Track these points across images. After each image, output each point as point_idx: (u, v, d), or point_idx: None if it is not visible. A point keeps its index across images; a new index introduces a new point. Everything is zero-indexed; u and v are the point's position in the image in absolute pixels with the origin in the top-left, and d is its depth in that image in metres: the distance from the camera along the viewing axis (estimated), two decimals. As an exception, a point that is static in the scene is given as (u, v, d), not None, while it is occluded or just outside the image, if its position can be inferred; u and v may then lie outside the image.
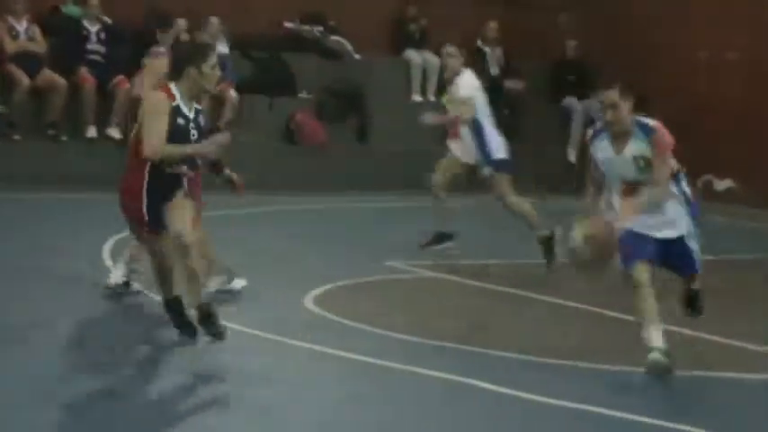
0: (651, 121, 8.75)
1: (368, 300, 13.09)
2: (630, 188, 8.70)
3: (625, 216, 8.66)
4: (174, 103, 8.77)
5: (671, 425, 8.42)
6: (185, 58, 9.04)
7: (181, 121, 8.75)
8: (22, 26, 20.57)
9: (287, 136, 21.88)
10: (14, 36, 20.57)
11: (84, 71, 20.26)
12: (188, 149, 8.79)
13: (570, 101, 23.29)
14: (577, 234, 8.84)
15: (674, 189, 8.81)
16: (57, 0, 21.76)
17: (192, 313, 9.04)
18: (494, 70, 23.14)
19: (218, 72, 9.27)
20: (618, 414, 8.72)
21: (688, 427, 8.33)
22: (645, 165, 8.60)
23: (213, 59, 9.13)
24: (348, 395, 9.46)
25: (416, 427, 8.67)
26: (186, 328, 9.08)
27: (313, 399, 9.44)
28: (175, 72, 8.99)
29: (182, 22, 19.71)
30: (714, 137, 21.63)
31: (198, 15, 21.11)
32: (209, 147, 8.89)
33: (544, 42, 24.32)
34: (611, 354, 10.84)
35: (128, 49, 20.57)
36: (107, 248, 13.66)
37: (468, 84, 15.27)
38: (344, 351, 10.51)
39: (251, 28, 22.55)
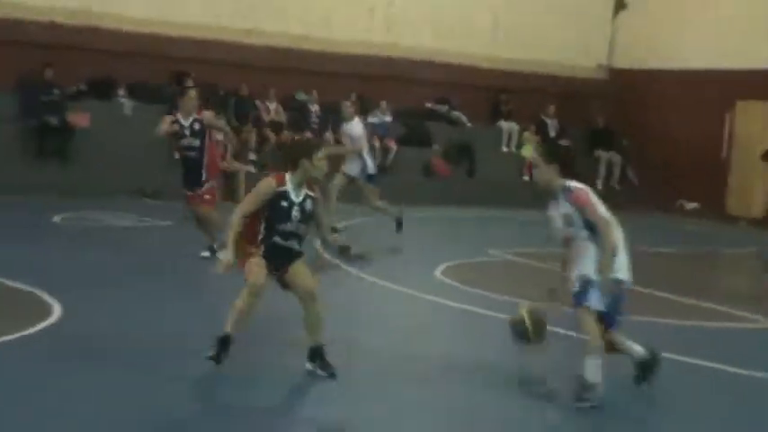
0: (572, 184, 8.81)
1: (477, 274, 15.66)
2: (567, 241, 9.08)
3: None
4: (281, 189, 9.03)
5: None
6: (300, 152, 9.25)
7: (284, 203, 9.01)
8: (272, 106, 25.60)
9: (426, 171, 26.70)
10: (268, 112, 25.62)
11: (308, 133, 24.55)
12: (228, 240, 9.02)
13: (599, 153, 28.69)
14: (520, 312, 9.35)
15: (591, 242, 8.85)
16: (292, 90, 26.33)
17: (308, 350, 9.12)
18: (552, 134, 28.51)
19: (325, 163, 9.28)
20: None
21: None
22: (568, 222, 8.82)
23: (322, 152, 9.23)
24: (463, 331, 12.14)
25: (502, 357, 10.41)
26: (219, 359, 8.87)
27: (438, 330, 12.25)
28: (291, 163, 9.14)
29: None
30: (684, 174, 27.09)
31: (376, 100, 26.16)
32: (226, 257, 8.94)
33: (584, 117, 29.33)
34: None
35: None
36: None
37: (357, 127, 18.80)
38: (463, 304, 13.15)
39: (406, 105, 27.33)
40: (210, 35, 24.97)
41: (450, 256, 16.61)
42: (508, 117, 28.98)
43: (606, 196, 20.77)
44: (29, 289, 11.76)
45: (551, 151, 9.40)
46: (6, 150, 21.05)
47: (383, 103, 26.60)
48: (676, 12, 28.57)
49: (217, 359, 8.89)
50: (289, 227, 9.07)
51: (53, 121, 22.22)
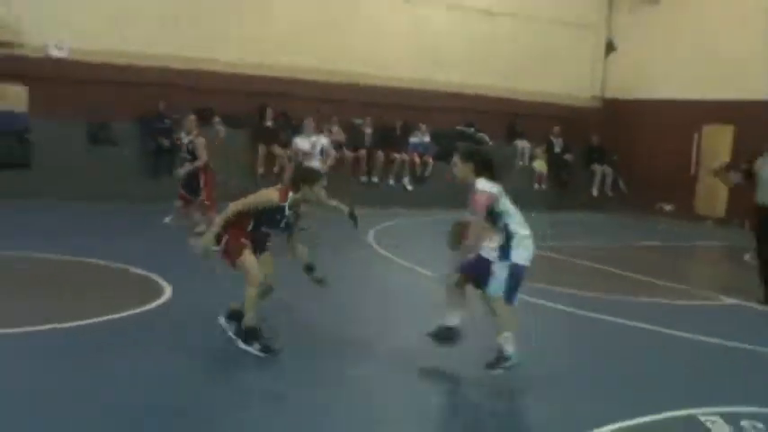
0: (480, 184, 8.36)
1: None
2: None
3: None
4: (281, 204, 8.60)
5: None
6: (306, 179, 8.82)
7: (278, 216, 8.63)
8: (334, 129, 24.72)
9: (455, 181, 28.25)
10: (331, 133, 24.08)
11: (363, 151, 25.05)
12: (215, 228, 8.70)
13: (595, 166, 28.49)
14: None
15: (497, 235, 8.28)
16: (350, 116, 25.84)
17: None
18: (557, 150, 28.54)
19: (321, 192, 9.02)
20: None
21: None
22: (472, 211, 8.31)
23: (321, 184, 8.93)
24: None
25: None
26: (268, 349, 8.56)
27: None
28: (294, 185, 8.70)
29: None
30: (662, 182, 27.14)
31: (417, 124, 26.51)
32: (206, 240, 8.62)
33: (583, 137, 28.94)
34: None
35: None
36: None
37: (305, 144, 18.70)
38: None
39: (440, 128, 26.88)
40: (286, 74, 25.01)
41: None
42: (522, 137, 28.89)
43: (601, 201, 23.47)
44: (147, 274, 11.99)
45: (469, 152, 8.88)
46: (130, 167, 21.45)
47: (422, 126, 26.74)
48: (655, 54, 28.50)
49: (268, 351, 8.50)
50: (273, 231, 8.83)
51: (165, 143, 22.50)
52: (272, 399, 7.66)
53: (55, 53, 22.40)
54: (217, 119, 23.96)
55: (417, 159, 26.01)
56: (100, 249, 13.20)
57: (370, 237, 17.54)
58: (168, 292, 11.03)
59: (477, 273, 8.45)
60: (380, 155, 25.41)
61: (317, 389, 7.87)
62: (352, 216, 17.23)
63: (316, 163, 17.69)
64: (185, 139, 15.49)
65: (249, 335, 8.55)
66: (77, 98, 21.63)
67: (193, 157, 15.57)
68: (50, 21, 22.12)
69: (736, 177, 13.89)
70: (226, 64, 24.28)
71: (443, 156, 25.07)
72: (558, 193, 28.13)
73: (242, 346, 8.51)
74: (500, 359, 8.30)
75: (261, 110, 24.31)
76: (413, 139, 26.32)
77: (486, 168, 8.61)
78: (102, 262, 12.63)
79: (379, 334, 9.91)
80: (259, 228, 8.76)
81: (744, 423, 7.32)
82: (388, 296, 12.66)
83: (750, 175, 13.08)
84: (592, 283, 14.03)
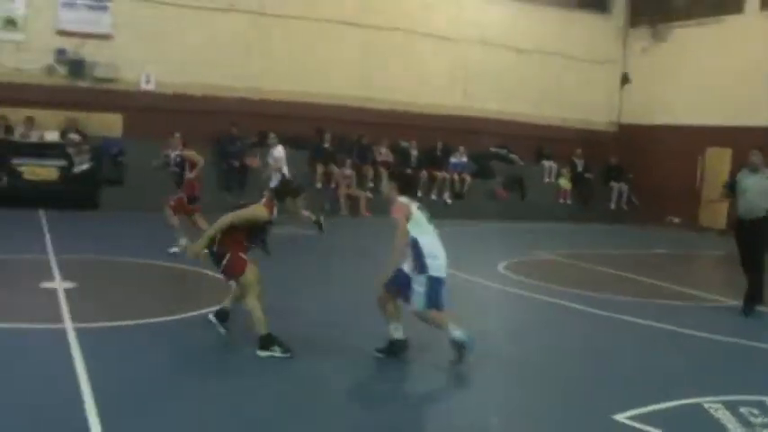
0: (399, 199, 8.26)
1: (528, 268, 15.08)
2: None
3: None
4: (270, 218, 8.38)
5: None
6: (288, 192, 8.61)
7: (267, 227, 8.41)
8: (383, 150, 24.81)
9: (490, 196, 26.43)
10: (380, 154, 24.87)
11: (409, 170, 23.90)
12: (207, 235, 8.29)
13: (612, 183, 28.35)
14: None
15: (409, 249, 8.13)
16: (398, 139, 25.89)
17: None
18: (579, 169, 28.32)
19: (301, 206, 8.80)
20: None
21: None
22: (395, 225, 8.05)
23: (302, 198, 8.73)
24: (527, 312, 11.64)
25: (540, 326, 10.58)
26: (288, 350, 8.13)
27: (501, 308, 11.76)
28: (279, 198, 8.45)
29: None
30: (671, 197, 26.97)
31: (456, 146, 26.37)
32: (198, 246, 8.31)
33: (602, 158, 28.74)
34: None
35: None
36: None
37: (280, 152, 18.85)
38: (524, 291, 12.80)
39: (477, 150, 26.96)
40: (341, 101, 25.16)
41: (507, 255, 16.50)
42: (548, 158, 28.78)
43: (617, 213, 23.51)
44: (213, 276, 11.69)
45: (393, 173, 8.95)
46: (209, 184, 21.31)
47: (461, 148, 26.76)
48: (664, 85, 28.39)
49: (288, 351, 8.08)
50: (260, 240, 8.52)
51: (235, 163, 22.70)
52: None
53: (144, 86, 22.82)
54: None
55: (456, 177, 26.07)
56: (182, 256, 12.86)
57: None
58: None
59: (398, 288, 8.32)
60: (424, 173, 25.37)
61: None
62: (318, 223, 17.38)
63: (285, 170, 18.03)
64: (172, 154, 15.10)
65: (267, 342, 8.12)
66: (163, 124, 21.45)
67: (181, 169, 14.90)
68: (142, 58, 22.61)
69: (723, 193, 13.69)
70: (286, 93, 24.45)
71: (480, 174, 26.24)
72: (580, 206, 27.96)
73: (263, 354, 8.06)
74: (460, 350, 8.20)
75: (319, 133, 24.37)
76: (453, 160, 26.38)
77: (409, 187, 8.72)
78: (189, 267, 12.50)
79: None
80: (251, 239, 8.46)
81: (742, 410, 7.35)
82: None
83: (732, 191, 12.88)
84: (607, 286, 13.95)
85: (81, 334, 8.36)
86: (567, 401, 7.69)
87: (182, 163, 14.88)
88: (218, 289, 10.44)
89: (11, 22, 21.62)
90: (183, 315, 9.60)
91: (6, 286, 10.95)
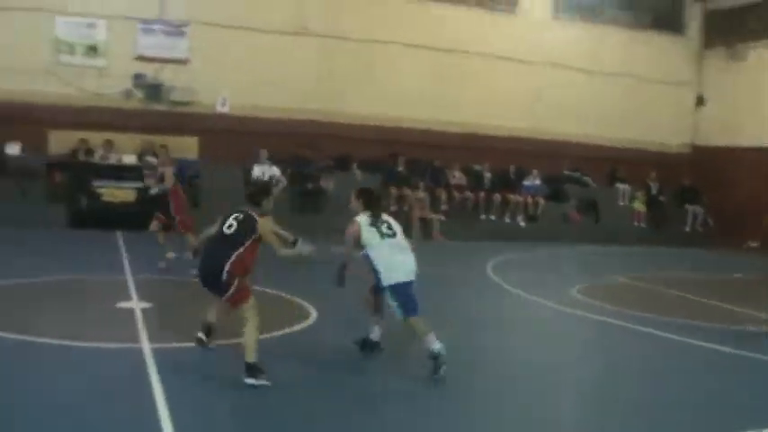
0: (359, 216, 8.72)
1: (603, 292, 14.70)
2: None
3: None
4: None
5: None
6: (262, 191, 8.50)
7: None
8: (456, 173, 25.06)
9: (564, 219, 26.45)
10: (454, 177, 24.99)
11: (482, 193, 24.98)
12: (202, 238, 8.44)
13: (687, 206, 28.06)
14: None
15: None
16: (471, 162, 25.73)
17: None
18: (654, 192, 28.08)
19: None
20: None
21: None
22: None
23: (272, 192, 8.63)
24: (601, 337, 11.39)
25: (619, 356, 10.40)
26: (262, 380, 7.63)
27: (573, 335, 11.57)
28: (256, 201, 8.28)
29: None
30: (748, 221, 26.09)
31: (530, 169, 26.28)
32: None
33: (676, 180, 28.51)
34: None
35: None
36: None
37: (273, 169, 18.20)
38: (597, 315, 12.45)
39: (550, 173, 27.00)
40: (414, 124, 25.24)
41: (581, 279, 16.26)
42: (622, 180, 28.53)
43: (692, 237, 23.43)
44: (296, 300, 11.93)
45: (359, 191, 9.10)
46: (282, 205, 21.41)
47: (534, 171, 26.66)
48: (740, 106, 28.05)
49: (262, 380, 7.66)
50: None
51: (310, 185, 22.78)
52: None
53: (219, 109, 23.07)
54: (354, 164, 24.09)
55: (530, 200, 25.91)
56: (261, 277, 13.04)
57: (489, 268, 17.29)
58: (313, 315, 10.95)
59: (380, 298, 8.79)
60: (497, 196, 25.31)
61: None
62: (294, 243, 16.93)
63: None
64: (160, 169, 15.21)
65: (254, 370, 7.72)
66: (236, 146, 22.21)
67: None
68: (217, 82, 22.99)
69: None
70: (361, 117, 24.63)
71: (553, 197, 26.15)
72: (654, 229, 27.57)
73: (250, 381, 7.66)
74: (436, 361, 8.27)
75: (393, 157, 24.40)
76: (526, 182, 26.28)
77: (371, 203, 8.93)
78: (266, 289, 12.22)
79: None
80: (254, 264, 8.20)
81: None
82: (501, 320, 12.38)
83: None
84: (682, 311, 13.54)
85: (157, 354, 8.41)
86: (631, 428, 7.43)
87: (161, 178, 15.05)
88: (292, 310, 10.57)
89: (92, 49, 22.18)
90: (260, 337, 9.54)
91: (85, 306, 11.10)
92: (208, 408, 7.14)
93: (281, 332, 9.66)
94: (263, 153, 21.29)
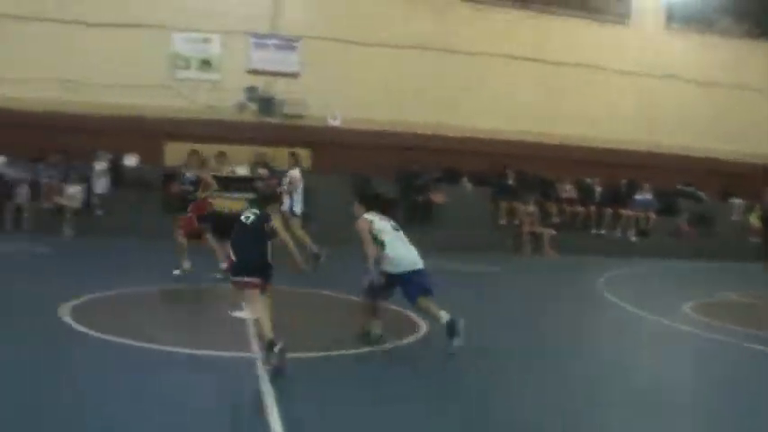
0: (364, 215, 9.33)
1: (716, 309, 14.22)
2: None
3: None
4: None
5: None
6: (270, 198, 9.58)
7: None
8: (567, 187, 24.80)
9: (675, 234, 25.68)
10: (564, 191, 24.75)
11: (593, 207, 24.99)
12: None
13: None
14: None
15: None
16: (582, 175, 25.58)
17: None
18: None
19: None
20: None
21: None
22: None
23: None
24: (713, 357, 10.98)
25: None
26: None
27: (682, 352, 11.17)
28: (262, 206, 9.06)
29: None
30: None
31: (641, 183, 25.67)
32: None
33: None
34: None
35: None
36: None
37: (296, 174, 17.37)
38: (710, 333, 12.01)
39: (662, 187, 26.15)
40: (523, 137, 25.21)
41: (694, 296, 15.72)
42: (736, 194, 27.89)
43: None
44: (404, 311, 11.50)
45: (359, 195, 9.96)
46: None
47: (646, 185, 26.16)
48: None
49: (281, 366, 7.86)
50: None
51: (420, 198, 22.74)
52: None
53: (331, 122, 23.28)
54: (464, 177, 23.97)
55: (641, 214, 25.44)
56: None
57: (600, 283, 17.02)
58: (424, 328, 10.76)
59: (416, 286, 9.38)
60: (608, 210, 24.98)
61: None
62: (316, 258, 16.42)
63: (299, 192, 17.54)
64: (189, 173, 15.02)
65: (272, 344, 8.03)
66: (347, 159, 22.37)
67: (195, 188, 14.92)
68: (328, 95, 23.21)
69: None
70: (471, 130, 24.64)
71: (665, 211, 25.64)
72: (769, 245, 26.64)
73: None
74: (451, 330, 9.04)
75: (502, 170, 24.29)
76: (637, 197, 25.79)
77: (373, 205, 9.62)
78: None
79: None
80: None
81: None
82: (609, 336, 12.28)
83: None
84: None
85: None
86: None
87: (196, 182, 14.98)
88: (399, 323, 10.48)
89: (206, 63, 22.75)
90: (370, 349, 9.52)
91: (200, 314, 11.50)
92: (319, 419, 7.10)
93: (389, 345, 9.66)
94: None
